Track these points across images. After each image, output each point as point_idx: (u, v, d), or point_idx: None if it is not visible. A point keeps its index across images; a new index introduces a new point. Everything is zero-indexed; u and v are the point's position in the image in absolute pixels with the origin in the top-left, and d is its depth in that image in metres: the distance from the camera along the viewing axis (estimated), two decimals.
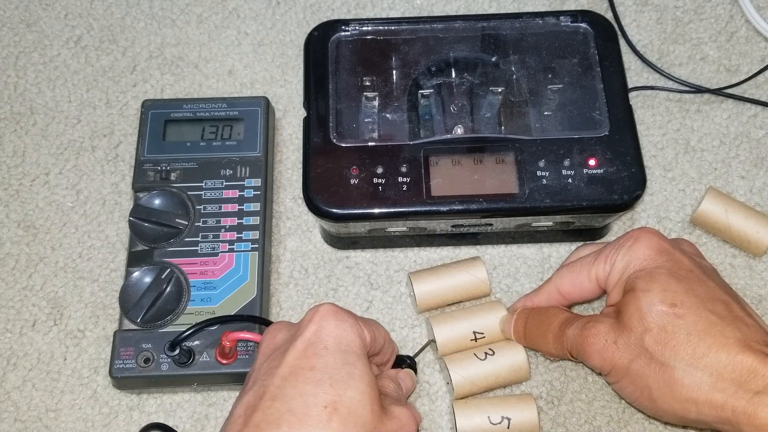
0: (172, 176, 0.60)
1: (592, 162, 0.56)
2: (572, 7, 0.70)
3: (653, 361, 0.46)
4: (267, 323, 0.54)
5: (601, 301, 0.59)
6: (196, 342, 0.54)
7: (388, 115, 0.59)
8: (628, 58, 0.67)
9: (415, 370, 0.55)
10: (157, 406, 0.56)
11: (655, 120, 0.65)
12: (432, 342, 0.56)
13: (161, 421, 0.55)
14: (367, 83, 0.60)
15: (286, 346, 0.45)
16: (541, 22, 0.62)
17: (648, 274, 0.48)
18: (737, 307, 0.47)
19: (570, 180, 0.55)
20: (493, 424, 0.52)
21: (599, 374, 0.53)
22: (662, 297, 0.47)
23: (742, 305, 0.48)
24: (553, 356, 0.54)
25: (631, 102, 0.60)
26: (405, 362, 0.55)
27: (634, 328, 0.47)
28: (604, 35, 0.61)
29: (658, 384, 0.46)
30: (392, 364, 0.53)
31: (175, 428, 0.54)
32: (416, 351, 0.57)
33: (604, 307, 0.52)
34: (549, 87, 0.60)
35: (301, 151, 0.58)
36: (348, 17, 0.70)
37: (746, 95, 0.66)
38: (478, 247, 0.61)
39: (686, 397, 0.45)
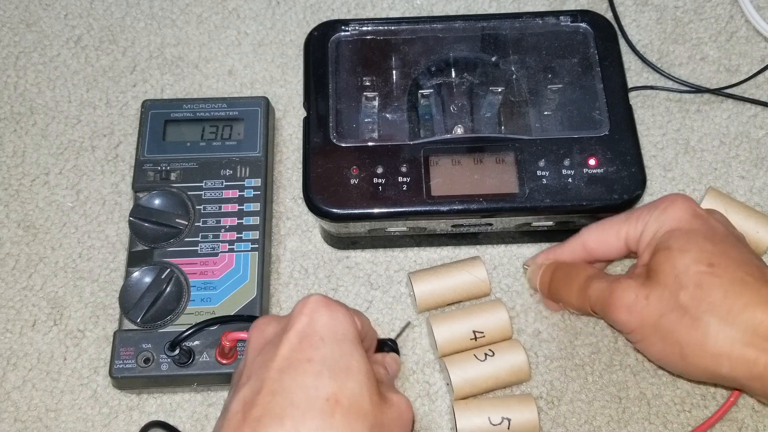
0: (172, 176, 0.60)
1: (592, 162, 0.56)
2: (572, 7, 0.70)
3: (686, 316, 0.47)
4: None
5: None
6: (196, 342, 0.54)
7: (388, 115, 0.59)
8: (628, 58, 0.67)
9: (398, 353, 0.56)
10: (157, 406, 0.56)
11: (655, 120, 0.65)
12: (410, 325, 0.57)
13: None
14: (367, 83, 0.60)
15: (278, 339, 0.44)
16: (540, 22, 0.62)
17: (685, 234, 0.49)
18: None
19: (570, 180, 0.55)
20: (494, 424, 0.52)
21: (619, 331, 0.53)
22: (699, 257, 0.48)
23: None
24: (574, 309, 0.55)
25: (631, 102, 0.60)
26: (387, 345, 0.55)
27: (669, 285, 0.48)
28: (604, 35, 0.61)
29: (689, 339, 0.47)
30: (375, 349, 0.53)
31: (176, 427, 0.54)
32: (396, 333, 0.58)
33: (633, 267, 0.53)
34: (549, 87, 0.60)
35: (301, 151, 0.58)
36: (348, 17, 0.70)
37: (746, 95, 0.66)
38: (478, 247, 0.61)
39: (719, 351, 0.46)
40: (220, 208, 0.59)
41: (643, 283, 0.49)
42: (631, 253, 0.54)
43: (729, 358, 0.46)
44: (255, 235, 0.58)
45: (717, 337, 0.46)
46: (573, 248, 0.55)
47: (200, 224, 0.58)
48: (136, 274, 0.56)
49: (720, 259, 0.48)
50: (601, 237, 0.54)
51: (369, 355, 0.52)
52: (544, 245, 0.61)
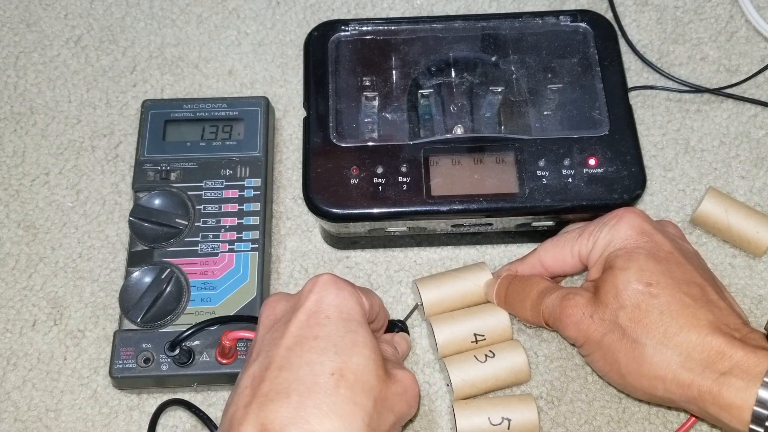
0: (172, 176, 0.60)
1: (592, 161, 0.56)
2: (572, 7, 0.70)
3: (625, 337, 0.47)
4: None
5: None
6: (196, 342, 0.54)
7: (388, 115, 0.59)
8: (628, 58, 0.67)
9: (408, 333, 0.57)
10: (157, 406, 0.56)
11: (655, 120, 0.65)
12: (420, 306, 0.57)
13: (161, 421, 0.55)
14: (367, 83, 0.60)
15: (288, 316, 0.45)
16: (540, 21, 0.62)
17: (627, 253, 0.49)
18: (712, 291, 0.48)
19: (570, 179, 0.55)
20: (494, 425, 0.52)
21: (572, 344, 0.54)
22: (639, 276, 0.48)
23: (717, 290, 0.49)
24: (529, 322, 0.55)
25: (631, 102, 0.60)
26: (397, 326, 0.56)
27: (610, 304, 0.48)
28: (604, 35, 0.61)
29: (628, 360, 0.47)
30: (385, 329, 0.54)
31: (195, 405, 0.54)
32: (405, 315, 0.58)
33: (585, 282, 0.53)
34: (549, 86, 0.60)
35: (301, 151, 0.58)
36: (348, 17, 0.70)
37: (746, 95, 0.66)
38: (478, 247, 0.61)
39: (654, 374, 0.46)
40: (220, 208, 0.59)
41: (590, 299, 0.49)
42: (586, 268, 0.54)
43: (664, 381, 0.46)
44: (255, 235, 0.58)
45: (652, 359, 0.46)
46: (532, 264, 0.55)
47: (200, 224, 0.58)
48: (136, 274, 0.56)
49: (660, 278, 0.48)
50: (556, 254, 0.54)
51: (380, 335, 0.53)
52: None
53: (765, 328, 0.47)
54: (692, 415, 0.52)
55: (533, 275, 0.55)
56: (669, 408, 0.55)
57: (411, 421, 0.56)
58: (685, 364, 0.45)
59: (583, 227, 0.53)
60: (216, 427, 0.53)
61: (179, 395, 0.56)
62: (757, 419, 0.42)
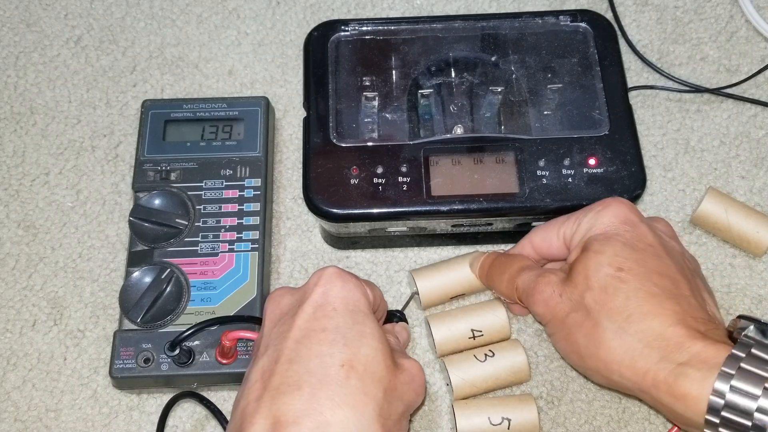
0: (172, 176, 0.60)
1: (592, 161, 0.56)
2: (572, 7, 0.70)
3: (588, 319, 0.47)
4: None
5: None
6: (196, 342, 0.54)
7: (387, 115, 0.59)
8: (628, 58, 0.67)
9: (407, 322, 0.57)
10: (157, 406, 0.56)
11: (655, 120, 0.66)
12: (416, 294, 0.57)
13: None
14: (367, 83, 0.60)
15: (294, 310, 0.46)
16: (540, 21, 0.62)
17: (606, 238, 0.49)
18: (686, 287, 0.47)
19: (570, 179, 0.55)
20: (494, 425, 0.52)
21: (540, 322, 0.54)
22: (611, 260, 0.48)
23: (692, 287, 0.48)
24: (504, 296, 0.55)
25: (631, 102, 0.61)
26: (396, 316, 0.57)
27: (579, 285, 0.48)
28: (604, 35, 0.61)
29: (587, 341, 0.47)
30: (385, 320, 0.55)
31: (208, 398, 0.54)
32: (403, 305, 0.59)
33: (563, 264, 0.53)
34: (549, 86, 0.60)
35: (301, 151, 0.58)
36: (348, 17, 0.70)
37: (746, 95, 0.66)
38: (478, 246, 0.61)
39: (611, 359, 0.46)
40: (220, 208, 0.59)
41: (562, 279, 0.50)
42: None
43: (619, 366, 0.46)
44: (255, 235, 0.58)
45: (610, 343, 0.46)
46: (522, 245, 0.56)
47: (200, 224, 0.58)
48: (136, 274, 0.56)
49: (632, 265, 0.47)
50: (545, 236, 0.54)
51: (379, 325, 0.53)
52: None
53: (728, 327, 0.46)
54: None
55: (519, 254, 0.55)
56: (625, 395, 0.55)
57: (410, 420, 0.56)
58: (643, 352, 0.45)
59: (572, 213, 0.54)
60: (227, 421, 0.53)
61: None
62: (712, 409, 0.42)
